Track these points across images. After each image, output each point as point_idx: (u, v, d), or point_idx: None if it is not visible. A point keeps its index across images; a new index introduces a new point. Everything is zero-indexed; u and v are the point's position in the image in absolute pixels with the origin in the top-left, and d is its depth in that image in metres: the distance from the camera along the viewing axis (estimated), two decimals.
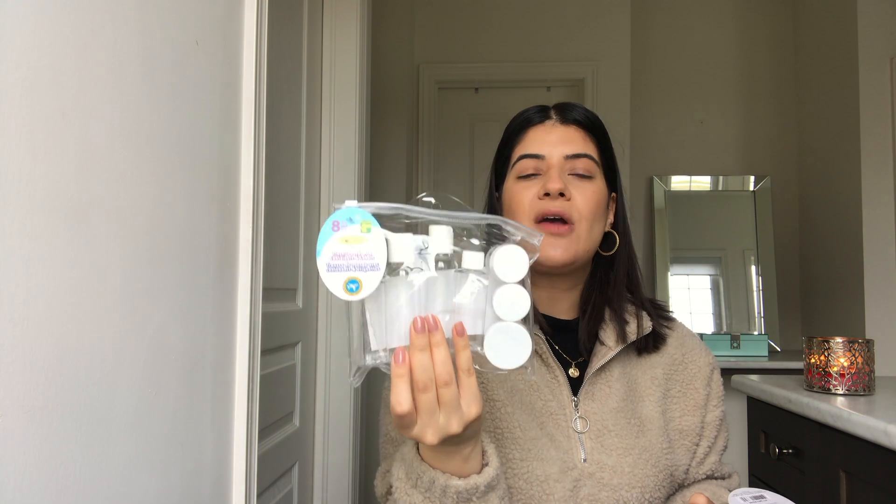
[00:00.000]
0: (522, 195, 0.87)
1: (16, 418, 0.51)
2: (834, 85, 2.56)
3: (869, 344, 1.44)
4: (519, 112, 0.94)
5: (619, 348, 0.88)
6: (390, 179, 2.67)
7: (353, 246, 0.56)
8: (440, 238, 0.59)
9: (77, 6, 0.59)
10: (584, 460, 0.83)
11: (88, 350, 0.60)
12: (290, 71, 1.56)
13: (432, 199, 0.60)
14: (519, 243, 0.62)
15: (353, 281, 0.56)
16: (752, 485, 1.70)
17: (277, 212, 1.46)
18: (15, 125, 0.51)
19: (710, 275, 2.82)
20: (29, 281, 0.53)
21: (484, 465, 0.68)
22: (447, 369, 0.58)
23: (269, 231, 1.11)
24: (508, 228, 0.62)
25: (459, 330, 0.59)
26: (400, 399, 0.58)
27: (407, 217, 0.59)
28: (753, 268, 2.79)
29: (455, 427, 0.60)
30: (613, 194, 0.94)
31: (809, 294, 2.78)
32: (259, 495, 1.04)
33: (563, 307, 0.93)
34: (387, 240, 0.58)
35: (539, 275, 0.90)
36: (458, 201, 0.62)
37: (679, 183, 2.89)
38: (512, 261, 0.60)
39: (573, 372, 0.89)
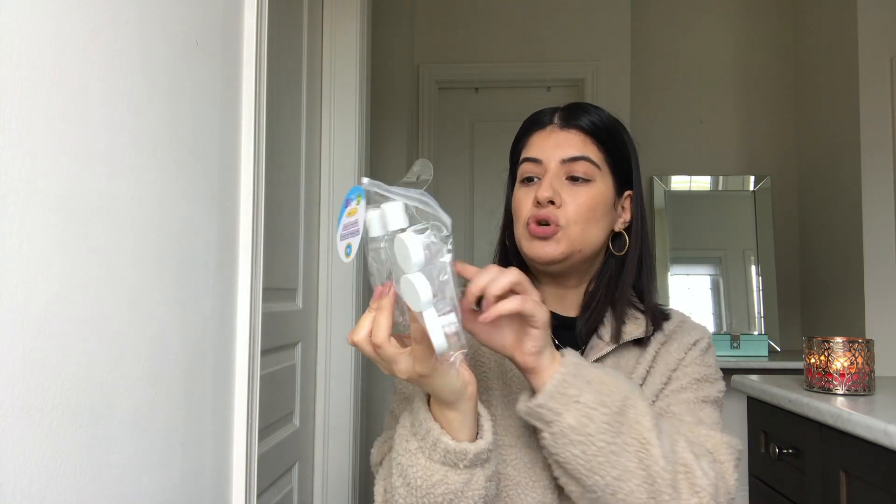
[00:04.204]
0: (523, 201, 0.91)
1: (16, 418, 0.52)
2: (834, 85, 2.56)
3: (869, 344, 1.44)
4: (531, 114, 0.97)
5: (612, 346, 0.89)
6: (390, 179, 2.67)
7: (351, 217, 0.67)
8: (393, 215, 0.65)
9: (77, 6, 0.59)
10: None
11: (88, 350, 0.60)
12: (290, 70, 1.56)
13: (365, 181, 0.67)
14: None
15: (348, 246, 0.66)
16: (752, 485, 1.70)
17: (277, 212, 1.46)
18: (15, 125, 0.51)
19: (710, 275, 2.83)
20: (29, 281, 0.53)
21: (478, 438, 0.73)
22: (381, 333, 0.66)
23: (269, 231, 1.11)
24: (427, 210, 0.65)
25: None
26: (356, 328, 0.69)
27: (377, 195, 0.67)
28: (753, 268, 2.79)
29: (401, 373, 0.67)
30: (629, 192, 0.94)
31: (809, 294, 2.78)
32: (259, 495, 1.04)
33: (572, 304, 0.94)
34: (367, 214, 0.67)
35: (542, 273, 0.92)
36: (413, 181, 0.69)
37: (679, 183, 2.89)
38: (403, 251, 0.62)
39: None
